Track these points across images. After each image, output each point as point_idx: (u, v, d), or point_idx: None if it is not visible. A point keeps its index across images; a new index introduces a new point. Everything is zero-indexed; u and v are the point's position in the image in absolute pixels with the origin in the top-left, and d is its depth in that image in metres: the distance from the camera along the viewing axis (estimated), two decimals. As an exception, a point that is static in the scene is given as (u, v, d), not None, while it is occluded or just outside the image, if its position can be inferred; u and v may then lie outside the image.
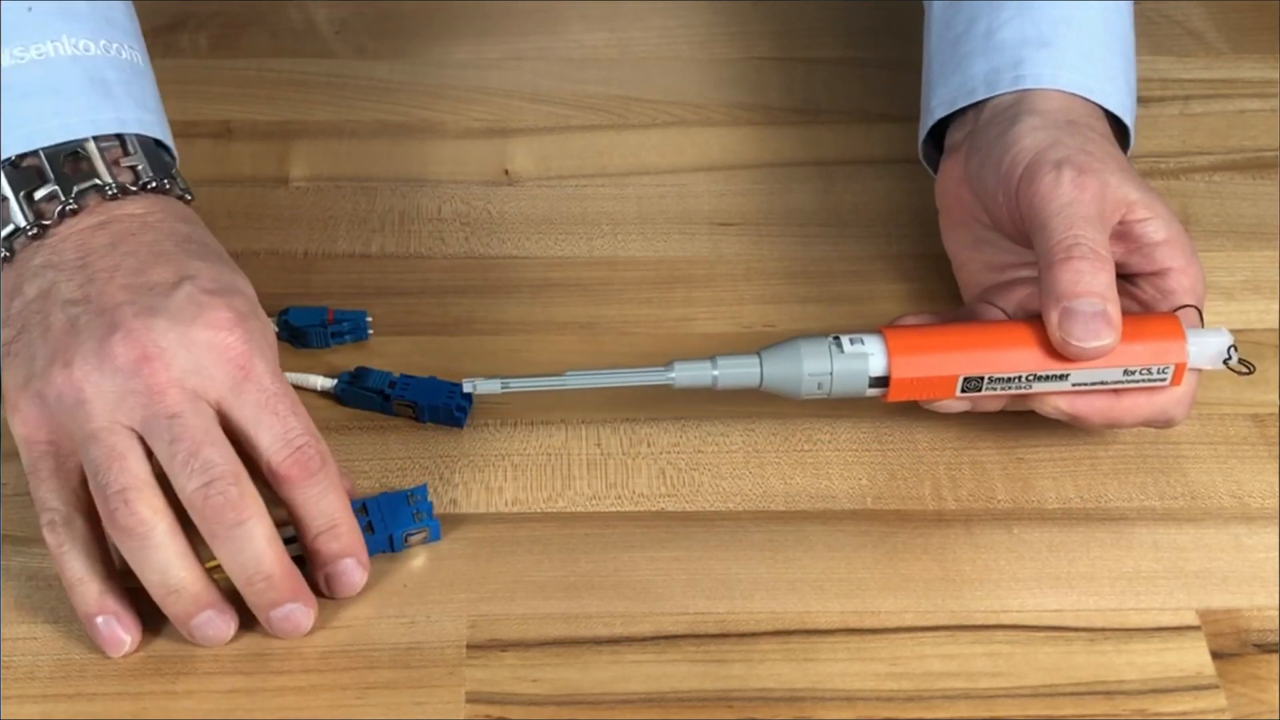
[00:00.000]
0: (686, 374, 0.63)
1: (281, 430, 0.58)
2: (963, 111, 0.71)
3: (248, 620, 0.61)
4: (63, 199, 0.61)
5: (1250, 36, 0.91)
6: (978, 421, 0.69)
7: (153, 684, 0.60)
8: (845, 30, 0.91)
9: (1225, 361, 0.63)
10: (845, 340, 0.63)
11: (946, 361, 0.62)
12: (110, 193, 0.61)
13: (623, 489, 0.67)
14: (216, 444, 0.57)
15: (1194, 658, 0.61)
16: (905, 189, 0.80)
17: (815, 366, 0.62)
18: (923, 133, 0.73)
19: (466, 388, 0.63)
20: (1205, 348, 0.63)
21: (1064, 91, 0.68)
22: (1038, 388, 0.63)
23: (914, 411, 0.70)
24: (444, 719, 0.59)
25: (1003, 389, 0.63)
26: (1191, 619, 0.63)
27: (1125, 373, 0.62)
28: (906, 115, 0.84)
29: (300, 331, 0.71)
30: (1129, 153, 0.70)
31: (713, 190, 0.81)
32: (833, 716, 0.59)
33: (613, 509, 0.66)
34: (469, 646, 0.61)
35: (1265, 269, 0.77)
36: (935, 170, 0.73)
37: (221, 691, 0.59)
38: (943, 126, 0.72)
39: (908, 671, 0.61)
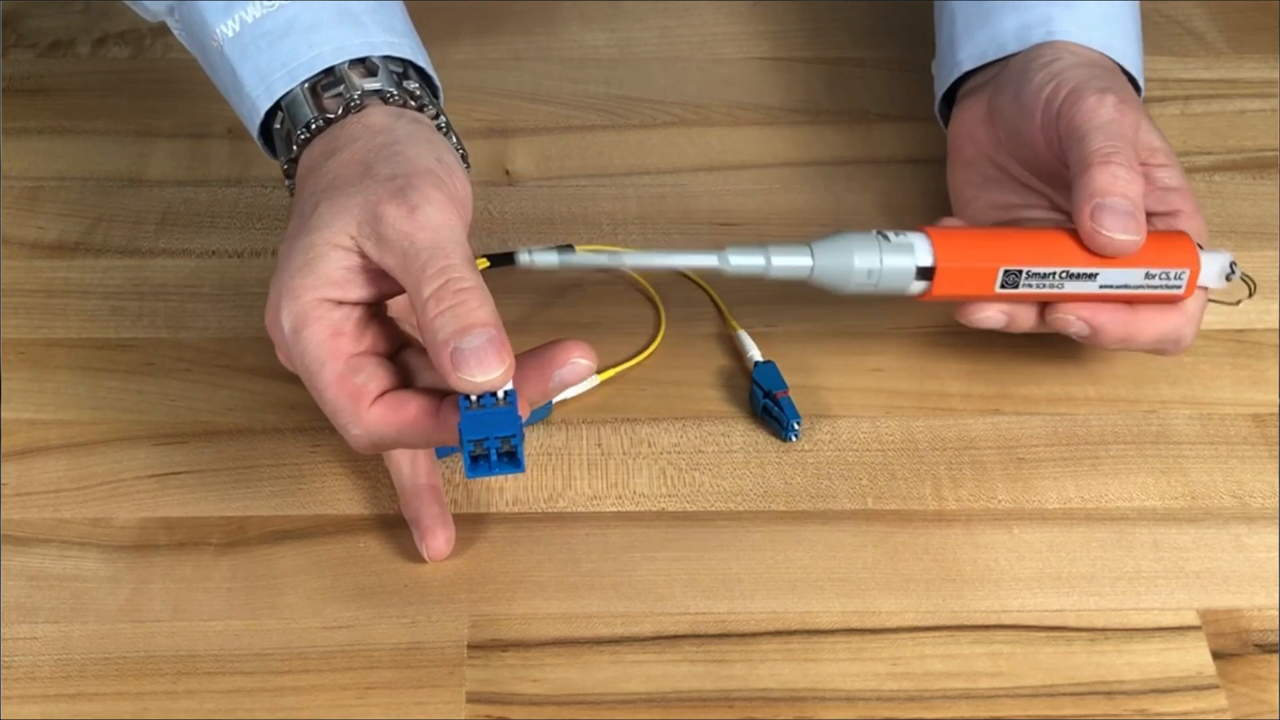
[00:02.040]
0: (740, 259, 0.62)
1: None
2: (982, 66, 0.73)
3: (248, 620, 0.61)
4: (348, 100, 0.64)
5: (1250, 36, 0.91)
6: (978, 422, 0.69)
7: (153, 684, 0.60)
8: (845, 30, 0.91)
9: (1228, 277, 0.66)
10: (890, 234, 0.64)
11: (987, 253, 0.64)
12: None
13: (623, 489, 0.67)
14: None
15: (1195, 658, 0.61)
16: (905, 189, 0.80)
17: (865, 258, 0.63)
18: (946, 84, 0.75)
19: (522, 258, 0.61)
20: (1212, 262, 0.66)
21: (1090, 48, 0.71)
22: (1069, 287, 0.64)
23: (914, 411, 0.70)
24: (445, 719, 0.59)
25: (1038, 286, 0.64)
26: (1192, 619, 0.63)
27: (1146, 276, 0.64)
28: (907, 115, 0.84)
29: None
30: None
31: (713, 190, 0.81)
32: (833, 717, 0.59)
33: (613, 509, 0.66)
34: (470, 646, 0.61)
35: (1265, 269, 0.77)
36: (945, 124, 0.76)
37: (221, 691, 0.59)
38: (955, 81, 0.75)
39: (908, 671, 0.61)
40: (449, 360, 0.57)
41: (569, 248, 0.61)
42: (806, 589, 0.63)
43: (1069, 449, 0.69)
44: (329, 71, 0.64)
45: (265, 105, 0.65)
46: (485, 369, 0.57)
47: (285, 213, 0.78)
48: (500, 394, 0.57)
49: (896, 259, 0.63)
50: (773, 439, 0.69)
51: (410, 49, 0.67)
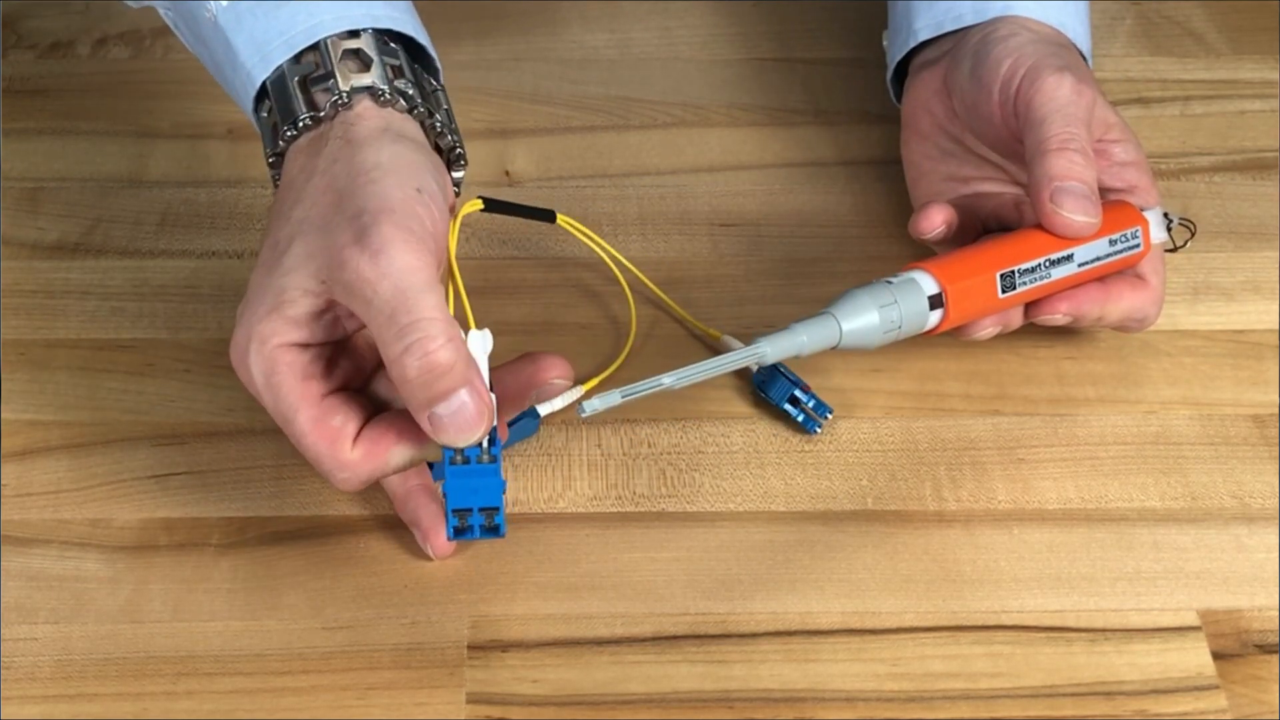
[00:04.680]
0: (776, 349, 0.62)
1: None
2: (938, 37, 0.74)
3: (248, 620, 0.61)
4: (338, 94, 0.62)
5: (1250, 37, 0.91)
6: (978, 422, 0.69)
7: (153, 684, 0.60)
8: (845, 30, 0.91)
9: (1169, 229, 0.70)
10: (888, 278, 0.64)
11: (980, 264, 0.65)
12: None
13: (623, 489, 0.67)
14: None
15: (1195, 658, 0.61)
16: (905, 190, 0.80)
17: (885, 305, 0.63)
18: (899, 53, 0.76)
19: (586, 411, 0.58)
20: (1152, 216, 0.69)
21: (1045, 23, 0.72)
22: (1054, 274, 0.66)
23: (914, 411, 0.70)
24: (444, 719, 0.59)
25: (1031, 281, 0.66)
26: (1192, 619, 0.63)
27: (1110, 243, 0.68)
28: (907, 116, 0.84)
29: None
30: None
31: (713, 191, 0.81)
32: (833, 717, 0.59)
33: (613, 509, 0.66)
34: (470, 647, 0.61)
35: (1265, 269, 0.77)
36: (897, 98, 0.77)
37: (222, 692, 0.59)
38: (909, 52, 0.76)
39: (908, 672, 0.61)
40: (427, 423, 0.57)
41: (628, 390, 0.59)
42: (806, 589, 0.63)
43: (1069, 449, 0.69)
44: (320, 61, 0.63)
45: (261, 76, 0.63)
46: (464, 433, 0.57)
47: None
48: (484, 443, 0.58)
49: (909, 297, 0.64)
50: (773, 440, 0.69)
51: (411, 25, 0.65)
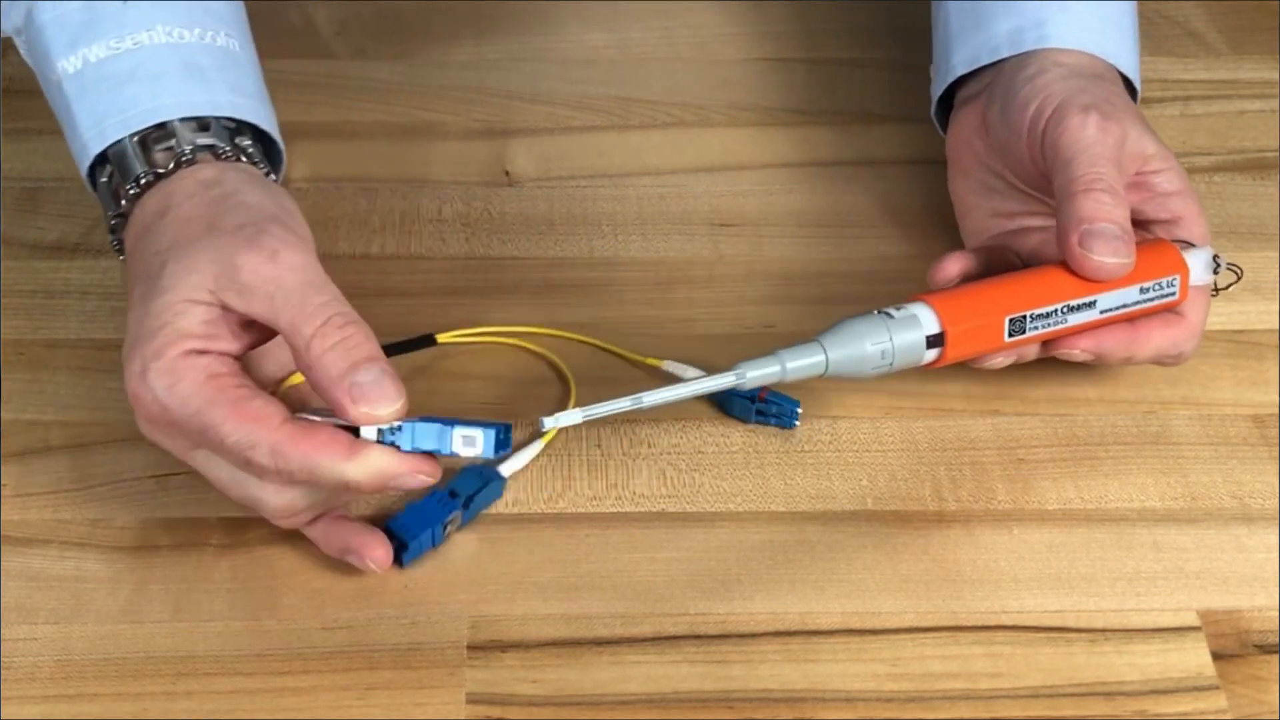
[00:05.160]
0: (756, 373, 0.61)
1: None
2: (977, 71, 0.73)
3: (248, 620, 0.61)
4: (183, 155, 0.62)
5: (1250, 37, 0.91)
6: (978, 422, 0.69)
7: (153, 684, 0.60)
8: (845, 30, 0.91)
9: (1215, 271, 0.67)
10: (890, 310, 0.63)
11: (989, 306, 0.63)
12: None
13: (623, 490, 0.67)
14: None
15: (1195, 658, 0.61)
16: (906, 189, 0.80)
17: (877, 341, 0.62)
18: (940, 89, 0.74)
19: (548, 424, 0.58)
20: (1197, 261, 0.66)
21: (1085, 51, 0.70)
22: (1072, 320, 0.64)
23: (914, 411, 0.70)
24: (444, 719, 0.59)
25: (1044, 326, 0.64)
26: (1192, 620, 0.63)
27: (1141, 291, 0.65)
28: (907, 116, 0.84)
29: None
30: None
31: (713, 191, 0.81)
32: (833, 717, 0.59)
33: (613, 510, 0.66)
34: (469, 647, 0.61)
35: (1265, 269, 0.77)
36: (944, 129, 0.75)
37: (221, 692, 0.59)
38: (951, 87, 0.74)
39: (908, 672, 0.61)
40: (347, 395, 0.56)
41: (591, 407, 0.59)
42: (806, 589, 0.63)
43: (1069, 449, 0.69)
44: (161, 125, 0.62)
45: (95, 149, 0.63)
46: (387, 400, 0.56)
47: (285, 213, 0.78)
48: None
49: (905, 334, 0.62)
50: (773, 440, 0.69)
51: (254, 112, 0.65)
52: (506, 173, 0.82)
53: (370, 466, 0.57)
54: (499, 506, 0.66)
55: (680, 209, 0.80)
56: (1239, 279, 0.69)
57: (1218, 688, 0.60)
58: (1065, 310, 0.64)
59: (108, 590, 0.63)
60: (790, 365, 0.61)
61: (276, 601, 0.62)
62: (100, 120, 0.63)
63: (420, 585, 0.63)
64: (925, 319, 0.63)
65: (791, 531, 0.65)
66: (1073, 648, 0.62)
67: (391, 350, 0.68)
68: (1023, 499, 0.67)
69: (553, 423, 0.58)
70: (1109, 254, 0.63)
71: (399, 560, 0.62)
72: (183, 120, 0.63)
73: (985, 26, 0.72)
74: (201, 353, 0.57)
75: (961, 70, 0.73)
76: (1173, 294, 0.66)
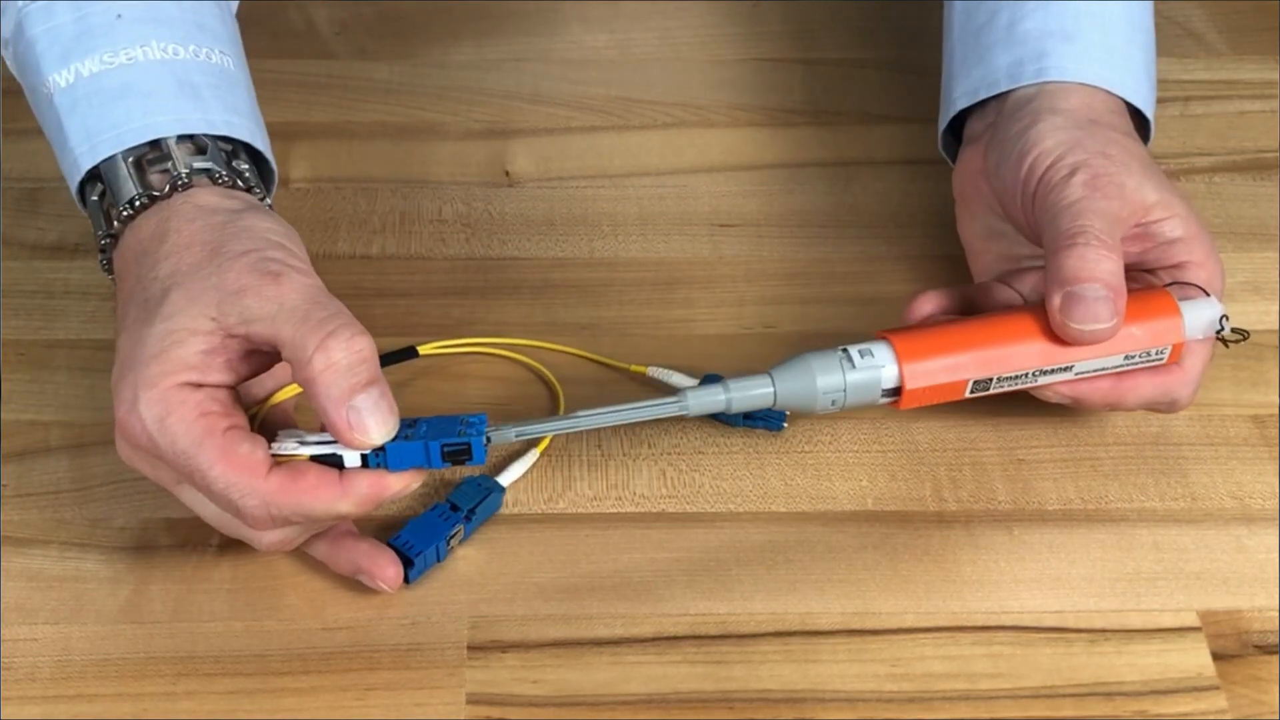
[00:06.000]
0: (700, 402, 0.61)
1: None
2: (984, 102, 0.71)
3: (248, 621, 0.61)
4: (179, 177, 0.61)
5: (1250, 37, 0.91)
6: (978, 422, 0.69)
7: (153, 685, 0.60)
8: (845, 30, 0.91)
9: (1218, 333, 0.64)
10: (855, 353, 0.62)
11: (956, 366, 0.62)
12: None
13: (623, 490, 0.67)
14: None
15: (1195, 659, 0.61)
16: (905, 190, 0.80)
17: (829, 383, 0.61)
18: (943, 124, 0.73)
19: (492, 439, 0.59)
20: (1199, 319, 0.63)
21: (1087, 85, 0.68)
22: (1043, 380, 0.63)
23: (914, 412, 0.70)
24: (444, 719, 0.59)
25: (1011, 386, 0.63)
26: (1192, 620, 0.63)
27: (1125, 357, 0.63)
28: (907, 116, 0.84)
29: None
30: (1149, 143, 0.70)
31: (713, 191, 0.81)
32: (833, 717, 0.59)
33: (613, 510, 0.66)
34: (470, 647, 0.61)
35: (1265, 269, 0.77)
36: (953, 160, 0.73)
37: (221, 692, 0.59)
38: (961, 117, 0.73)
39: (908, 673, 0.61)
40: (344, 420, 0.56)
41: (524, 425, 0.60)
42: (806, 590, 0.63)
43: (1069, 449, 0.69)
44: (155, 145, 0.62)
45: (87, 165, 0.62)
46: (382, 428, 0.57)
47: (287, 216, 0.78)
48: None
49: (862, 378, 0.61)
50: (772, 440, 0.69)
51: (248, 131, 0.64)
52: (506, 173, 0.82)
53: (359, 494, 0.57)
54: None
55: (680, 209, 0.80)
56: (1245, 339, 0.65)
57: (1218, 688, 0.60)
58: (1038, 374, 0.62)
59: (108, 590, 0.63)
60: (736, 396, 0.61)
61: (277, 602, 0.62)
62: (92, 136, 0.62)
63: (420, 585, 0.63)
64: (886, 369, 0.61)
65: (791, 531, 0.65)
66: (1073, 648, 0.62)
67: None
68: (1023, 499, 0.67)
69: (497, 439, 0.59)
70: (1090, 321, 0.61)
71: (405, 578, 0.62)
72: (179, 140, 0.62)
73: (986, 59, 0.70)
74: (196, 386, 0.57)
75: (962, 104, 0.71)
76: (1161, 359, 0.63)
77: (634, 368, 0.71)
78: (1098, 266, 0.61)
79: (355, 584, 0.63)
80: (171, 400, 0.56)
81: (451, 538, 0.63)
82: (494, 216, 0.79)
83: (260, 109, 0.66)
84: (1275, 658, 0.61)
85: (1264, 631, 0.62)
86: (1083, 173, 0.63)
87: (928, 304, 0.66)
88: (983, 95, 0.70)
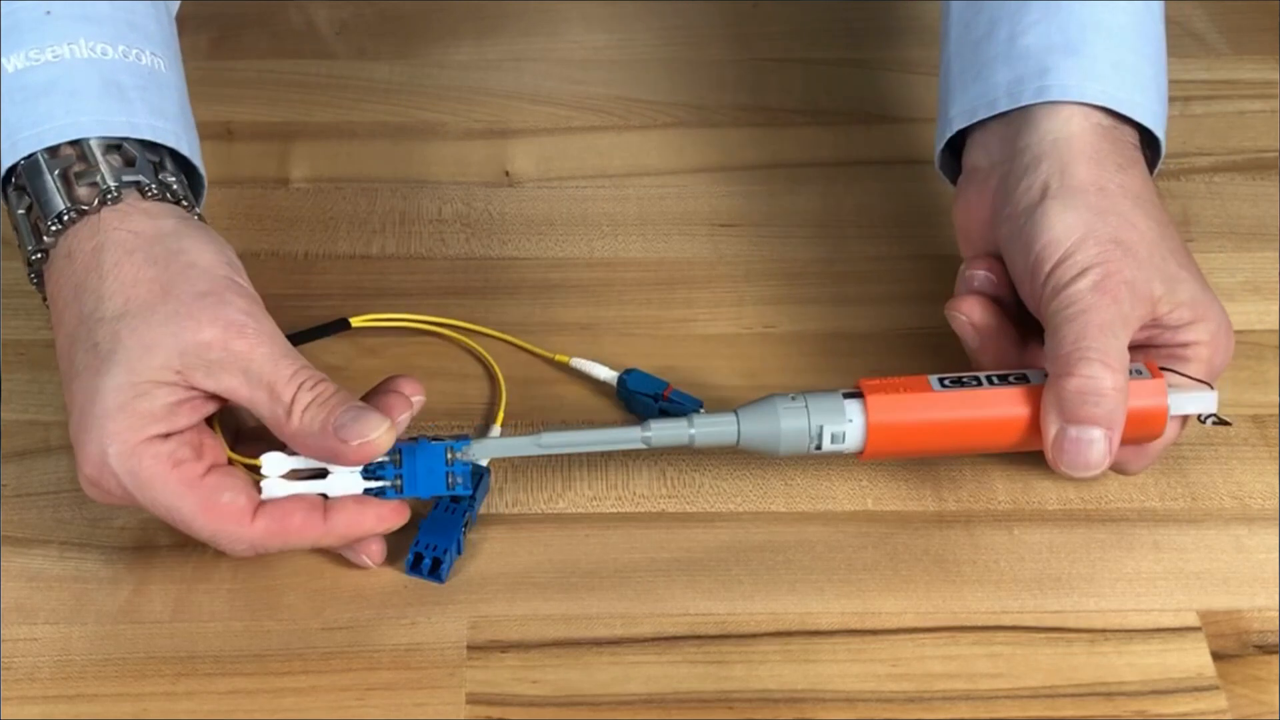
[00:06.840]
0: (662, 434, 0.61)
1: None
2: (984, 123, 0.68)
3: (248, 620, 0.61)
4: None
5: (1250, 37, 0.91)
6: (978, 422, 0.69)
7: (153, 685, 0.60)
8: (845, 30, 0.91)
9: (1202, 420, 0.64)
10: (826, 410, 0.61)
11: (927, 439, 0.62)
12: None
13: (623, 490, 0.67)
14: None
15: (1195, 659, 0.61)
16: (905, 190, 0.80)
17: (792, 445, 0.61)
18: (940, 143, 0.69)
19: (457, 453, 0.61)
20: (1187, 406, 0.63)
21: (1088, 104, 0.65)
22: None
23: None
24: (444, 719, 0.59)
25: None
26: (1192, 620, 0.63)
27: None
28: (906, 116, 0.84)
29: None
30: (1161, 159, 0.68)
31: (713, 191, 0.81)
32: (833, 717, 0.59)
33: (613, 510, 0.66)
34: (469, 647, 0.61)
35: (1265, 269, 0.77)
36: (951, 178, 0.71)
37: (221, 692, 0.59)
38: (960, 136, 0.69)
39: (908, 673, 0.61)
40: (334, 437, 0.57)
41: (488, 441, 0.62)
42: (806, 589, 0.63)
43: (1069, 450, 0.69)
44: (83, 157, 0.60)
45: (8, 162, 0.60)
46: (373, 427, 0.58)
47: (286, 215, 0.78)
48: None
49: (826, 440, 0.61)
50: (773, 440, 0.69)
51: (173, 135, 0.63)
52: (506, 173, 0.82)
53: (340, 531, 0.60)
54: (499, 507, 0.66)
55: (680, 209, 0.80)
56: (1228, 426, 0.67)
57: (1218, 688, 0.60)
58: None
59: (108, 590, 0.63)
60: (699, 432, 0.61)
61: (276, 601, 0.62)
62: (12, 133, 0.60)
63: (420, 585, 0.63)
64: (852, 434, 0.61)
65: (791, 531, 0.65)
66: (1073, 648, 0.62)
67: (306, 336, 0.70)
68: (1023, 499, 0.67)
69: (480, 452, 0.62)
70: (1082, 468, 0.60)
71: (437, 575, 0.62)
72: (106, 152, 0.60)
73: (984, 75, 0.67)
74: (165, 437, 0.57)
75: (960, 124, 0.68)
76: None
77: (558, 357, 0.71)
78: (1098, 407, 0.60)
79: (355, 584, 0.63)
80: (144, 455, 0.57)
81: (465, 526, 0.63)
82: (494, 216, 0.79)
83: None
84: (1275, 658, 0.61)
85: (1264, 631, 0.62)
86: (1091, 274, 0.61)
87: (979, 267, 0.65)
88: (981, 115, 0.67)
